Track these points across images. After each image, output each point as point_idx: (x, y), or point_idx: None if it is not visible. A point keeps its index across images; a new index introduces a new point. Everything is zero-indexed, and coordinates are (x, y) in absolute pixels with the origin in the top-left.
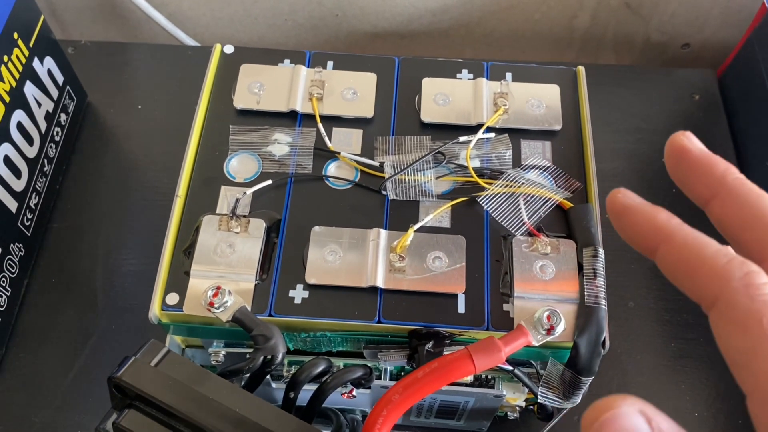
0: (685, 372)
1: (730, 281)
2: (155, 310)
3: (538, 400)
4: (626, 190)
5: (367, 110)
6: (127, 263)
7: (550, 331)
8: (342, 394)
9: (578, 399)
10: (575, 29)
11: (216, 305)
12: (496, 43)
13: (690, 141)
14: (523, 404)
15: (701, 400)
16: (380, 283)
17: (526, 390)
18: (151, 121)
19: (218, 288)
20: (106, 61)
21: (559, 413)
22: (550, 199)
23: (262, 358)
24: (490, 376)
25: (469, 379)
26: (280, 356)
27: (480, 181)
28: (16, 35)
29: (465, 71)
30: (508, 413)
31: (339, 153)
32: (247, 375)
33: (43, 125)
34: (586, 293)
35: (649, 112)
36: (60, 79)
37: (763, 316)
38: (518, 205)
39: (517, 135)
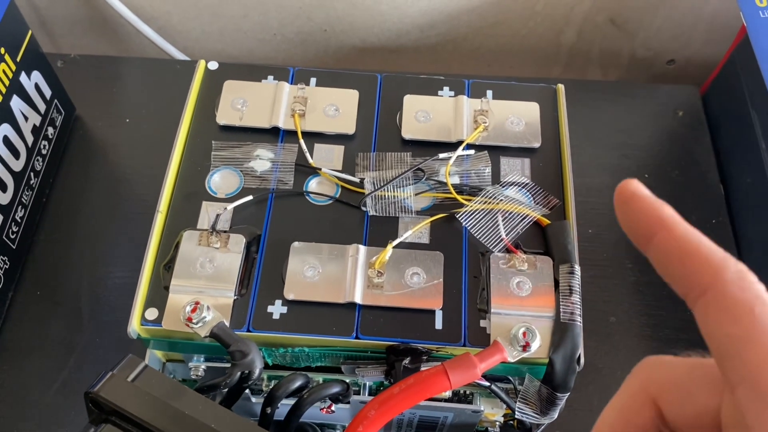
0: None
1: (725, 272)
2: (134, 326)
3: (516, 416)
4: (634, 181)
5: (349, 127)
6: (112, 276)
7: (525, 347)
8: (321, 409)
9: (555, 415)
10: (562, 45)
11: (194, 321)
12: (483, 58)
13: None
14: (502, 419)
15: None
16: (358, 299)
17: (504, 405)
18: (139, 134)
19: (197, 303)
20: (95, 75)
21: (538, 428)
22: (528, 215)
23: (239, 373)
24: (468, 392)
25: (448, 394)
26: (257, 372)
27: (459, 197)
28: (2, 50)
29: (446, 88)
30: (488, 428)
31: (320, 169)
32: (225, 390)
33: (29, 139)
34: (561, 310)
35: (634, 128)
36: (47, 92)
37: (755, 306)
38: (496, 221)
39: (496, 152)
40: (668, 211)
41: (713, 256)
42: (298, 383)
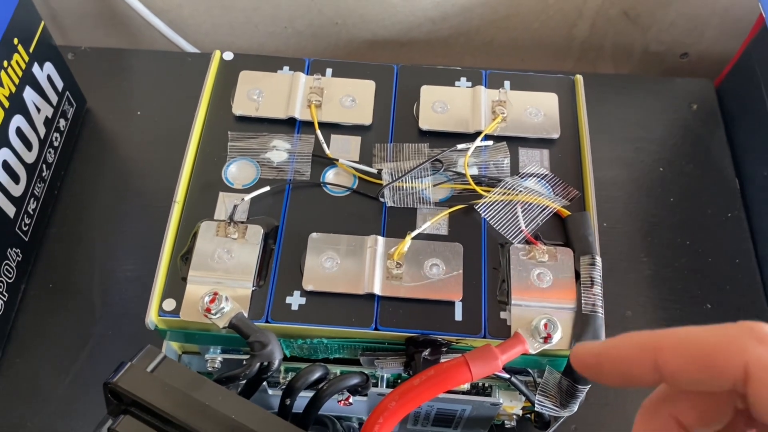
0: None
1: (747, 343)
2: (152, 316)
3: (535, 409)
4: (580, 344)
5: (366, 117)
6: (124, 269)
7: (547, 339)
8: (339, 401)
9: (575, 407)
10: (574, 38)
11: (213, 311)
12: (495, 51)
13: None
14: (520, 413)
15: None
16: (377, 290)
17: (523, 398)
18: (150, 127)
19: (215, 294)
20: (106, 67)
21: (557, 422)
22: (547, 207)
23: (258, 364)
24: (486, 384)
25: (466, 387)
26: (276, 363)
27: (478, 188)
28: (16, 41)
29: (463, 79)
30: (505, 422)
31: (337, 160)
32: (244, 381)
33: (42, 130)
34: (583, 301)
35: (648, 122)
36: (59, 84)
37: None
38: (516, 213)
39: (515, 143)
40: (638, 338)
41: (723, 338)
42: (317, 374)
